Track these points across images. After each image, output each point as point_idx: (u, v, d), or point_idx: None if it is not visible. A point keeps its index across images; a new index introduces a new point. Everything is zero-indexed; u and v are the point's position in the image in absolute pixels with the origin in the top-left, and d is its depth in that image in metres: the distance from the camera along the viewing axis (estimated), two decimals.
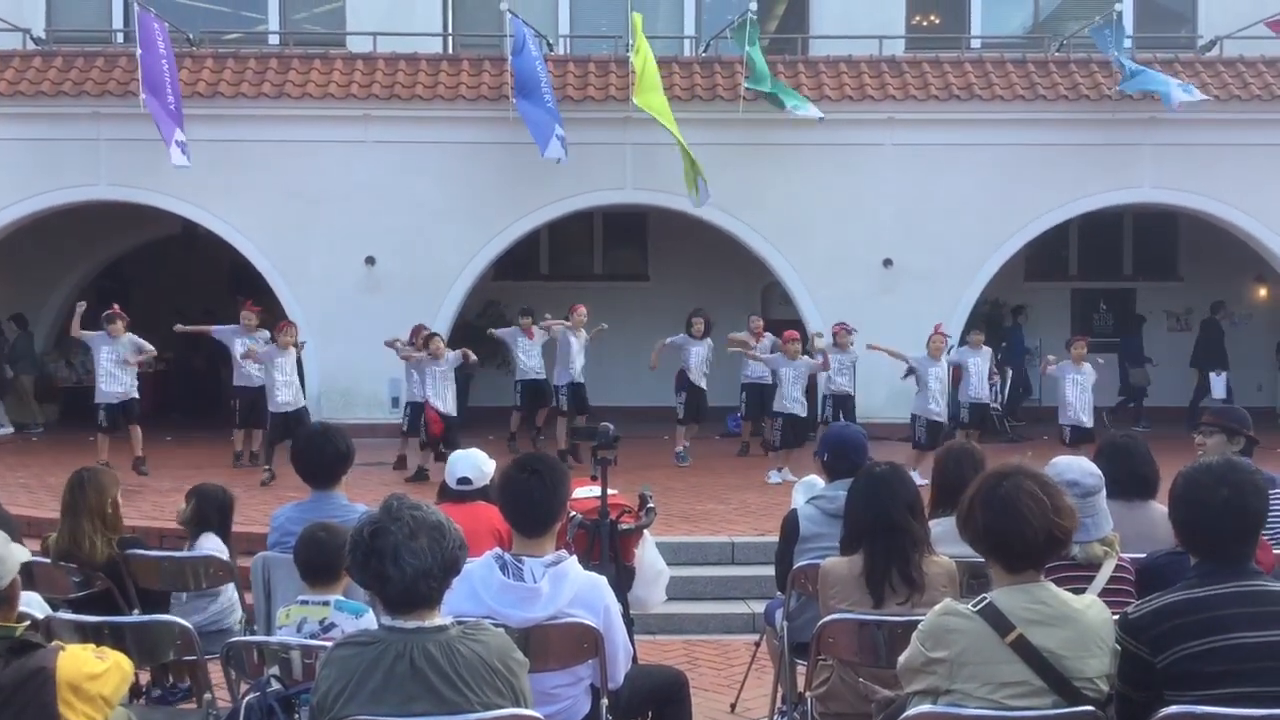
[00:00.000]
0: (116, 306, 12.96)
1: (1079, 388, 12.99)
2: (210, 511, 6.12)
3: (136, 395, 12.81)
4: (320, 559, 4.40)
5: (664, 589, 5.98)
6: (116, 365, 12.57)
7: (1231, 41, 17.39)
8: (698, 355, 14.24)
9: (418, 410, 12.89)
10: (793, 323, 16.66)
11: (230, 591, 6.04)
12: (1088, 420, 12.99)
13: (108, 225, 18.40)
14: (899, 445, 13.67)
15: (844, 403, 13.86)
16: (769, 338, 14.43)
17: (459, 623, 3.00)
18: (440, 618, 2.97)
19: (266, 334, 13.47)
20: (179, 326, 13.97)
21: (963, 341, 14.69)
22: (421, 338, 13.18)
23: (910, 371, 13.27)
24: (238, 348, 13.46)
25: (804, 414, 13.13)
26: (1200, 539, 3.29)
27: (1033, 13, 19.56)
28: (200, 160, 15.50)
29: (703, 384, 14.31)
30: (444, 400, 12.57)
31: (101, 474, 5.97)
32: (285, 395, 12.74)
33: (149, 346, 12.90)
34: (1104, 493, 4.18)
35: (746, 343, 14.33)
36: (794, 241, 16.48)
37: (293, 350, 12.93)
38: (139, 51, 15.09)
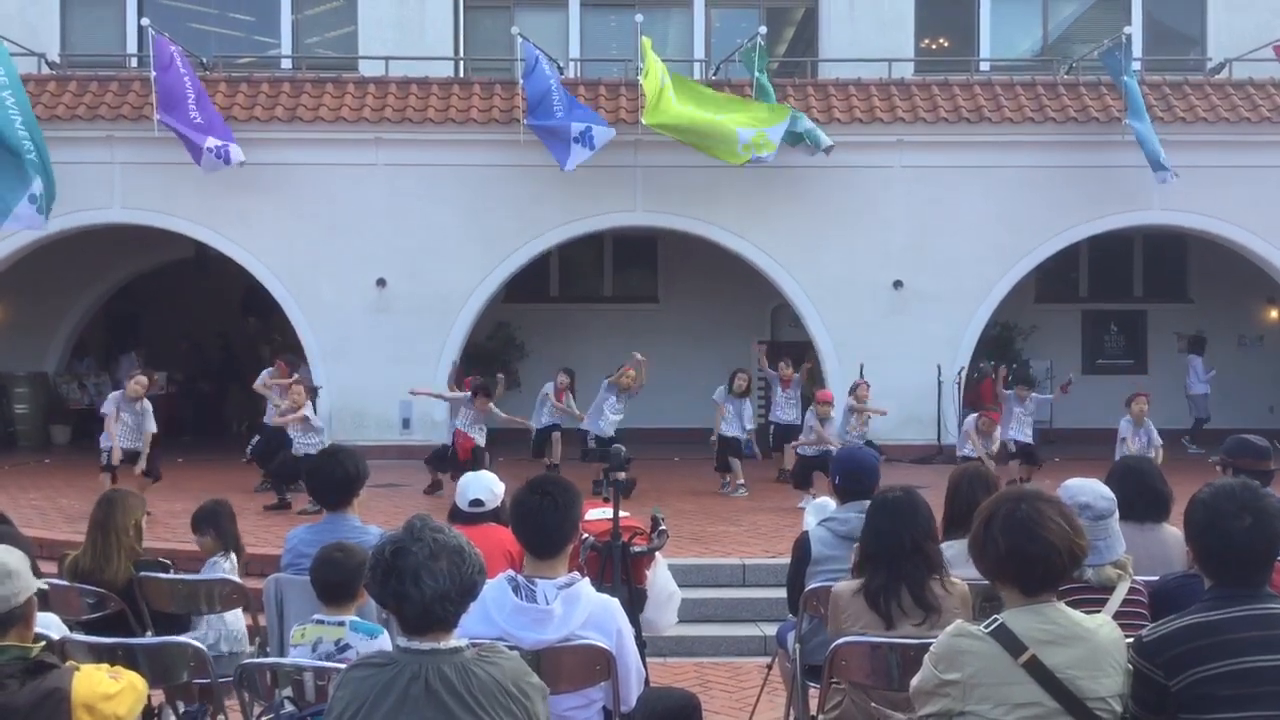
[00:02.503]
0: (157, 380, 12.90)
1: (1141, 444, 12.75)
2: (230, 529, 6.18)
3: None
4: (337, 579, 4.42)
5: (676, 611, 5.96)
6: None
7: (1240, 64, 17.43)
8: (734, 412, 13.81)
9: (443, 447, 13.33)
10: (803, 345, 16.71)
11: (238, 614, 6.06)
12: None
13: (120, 248, 18.51)
14: (910, 467, 13.68)
15: None
16: (796, 377, 14.41)
17: (475, 645, 3.01)
18: (456, 640, 2.98)
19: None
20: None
21: (1007, 387, 14.49)
22: (472, 390, 13.28)
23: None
24: (275, 397, 13.59)
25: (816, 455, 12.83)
26: (1222, 565, 3.28)
27: (1041, 36, 19.61)
28: (213, 184, 15.61)
29: (736, 434, 13.85)
30: (478, 434, 12.95)
31: (130, 496, 6.04)
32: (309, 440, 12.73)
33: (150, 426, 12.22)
34: (1117, 515, 4.16)
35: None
36: (804, 263, 16.51)
37: (309, 404, 12.95)
38: (154, 73, 15.22)
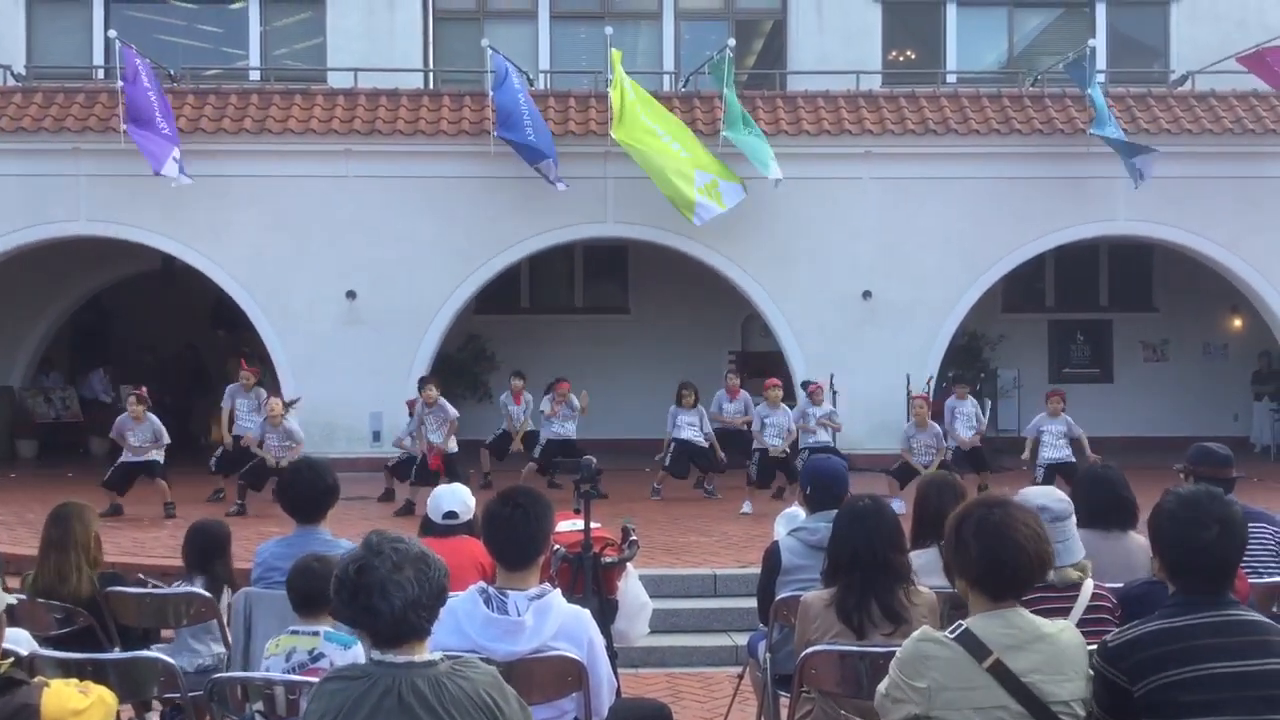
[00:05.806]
0: (144, 390, 13.11)
1: (1054, 437, 13.14)
2: (199, 559, 6.04)
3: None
4: (313, 589, 4.39)
5: (647, 622, 5.98)
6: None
7: (1203, 76, 17.64)
8: (689, 424, 13.95)
9: (411, 457, 13.14)
10: (773, 355, 16.78)
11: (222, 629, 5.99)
12: (1060, 457, 13.11)
13: (87, 260, 18.37)
14: (880, 477, 13.72)
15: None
16: (744, 394, 14.50)
17: (449, 658, 3.01)
18: (430, 653, 2.98)
19: (264, 392, 13.77)
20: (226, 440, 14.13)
21: (948, 393, 14.67)
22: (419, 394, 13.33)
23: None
24: (241, 407, 13.75)
25: (781, 454, 13.17)
26: (1189, 574, 3.31)
27: (1007, 48, 19.81)
28: (181, 195, 15.51)
29: (698, 439, 13.96)
30: (442, 442, 12.84)
31: (85, 507, 5.93)
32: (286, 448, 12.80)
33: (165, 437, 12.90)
34: (1073, 519, 4.19)
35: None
36: (774, 274, 16.58)
37: (281, 424, 12.91)
38: (120, 84, 15.17)
